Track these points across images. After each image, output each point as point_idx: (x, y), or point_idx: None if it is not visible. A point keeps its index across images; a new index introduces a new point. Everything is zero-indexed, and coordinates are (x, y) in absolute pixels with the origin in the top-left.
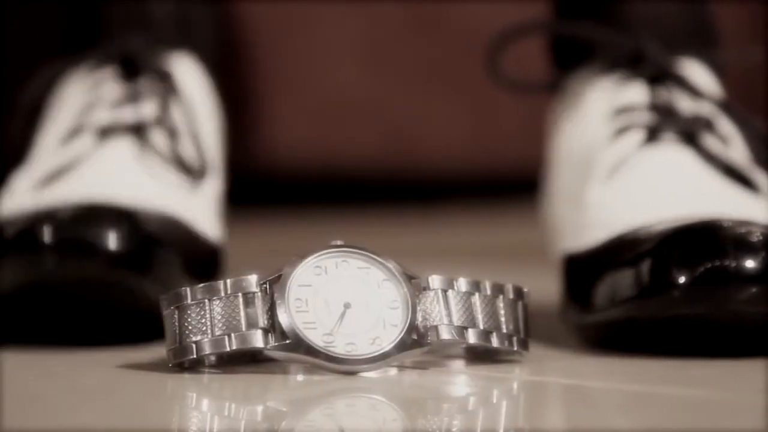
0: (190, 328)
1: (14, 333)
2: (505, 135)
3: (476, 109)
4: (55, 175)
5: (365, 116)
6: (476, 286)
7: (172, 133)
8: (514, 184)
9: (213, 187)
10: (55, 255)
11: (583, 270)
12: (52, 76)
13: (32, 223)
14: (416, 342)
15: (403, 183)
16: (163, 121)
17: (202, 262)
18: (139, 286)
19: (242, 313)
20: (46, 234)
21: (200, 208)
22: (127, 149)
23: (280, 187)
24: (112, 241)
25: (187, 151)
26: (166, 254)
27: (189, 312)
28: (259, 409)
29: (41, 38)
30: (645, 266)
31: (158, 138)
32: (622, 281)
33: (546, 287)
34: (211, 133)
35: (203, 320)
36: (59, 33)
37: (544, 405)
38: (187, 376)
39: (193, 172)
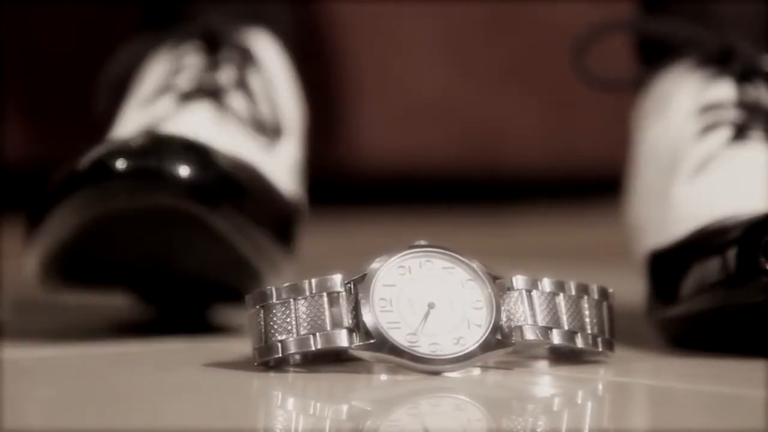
0: (275, 327)
1: (84, 278)
2: (585, 134)
3: (556, 108)
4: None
5: (446, 116)
6: (561, 287)
7: (250, 97)
8: (594, 183)
9: (290, 150)
10: (126, 183)
11: (669, 263)
12: (136, 51)
13: (105, 154)
14: (500, 342)
15: (484, 183)
16: (240, 85)
17: (274, 211)
18: (209, 219)
19: (327, 313)
20: (118, 163)
21: (276, 166)
22: (206, 111)
23: (362, 187)
24: (183, 171)
25: (264, 113)
26: (236, 191)
27: (274, 311)
28: (344, 408)
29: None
30: (732, 253)
31: (236, 101)
32: (708, 270)
33: (629, 287)
34: (289, 100)
35: (288, 319)
36: (140, 10)
37: (629, 406)
38: (272, 374)
39: (269, 133)
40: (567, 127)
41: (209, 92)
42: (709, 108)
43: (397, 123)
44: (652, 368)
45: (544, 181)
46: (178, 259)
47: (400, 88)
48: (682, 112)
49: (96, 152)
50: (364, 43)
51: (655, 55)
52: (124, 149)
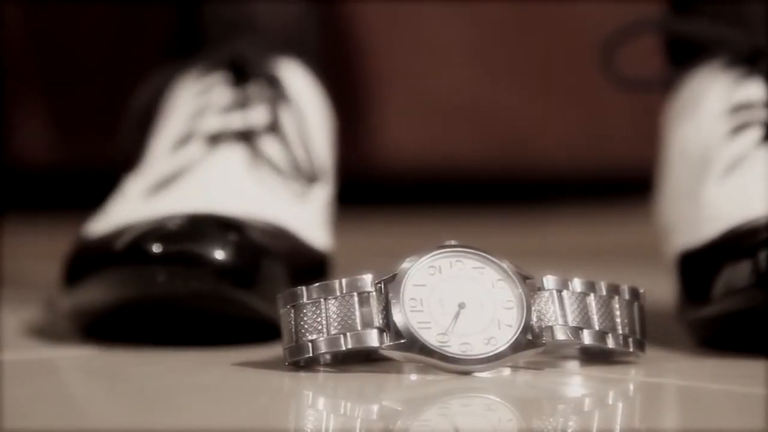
0: (306, 327)
1: (120, 338)
2: (613, 134)
3: (584, 109)
4: (166, 182)
5: (473, 117)
6: (591, 287)
7: (283, 140)
8: (622, 183)
9: (323, 193)
10: (163, 268)
11: (700, 264)
12: (162, 82)
13: (141, 236)
14: (531, 342)
15: (511, 182)
16: (273, 127)
17: (309, 271)
18: (245, 299)
19: (357, 313)
20: (154, 247)
21: (309, 217)
22: (237, 157)
23: (390, 188)
24: (219, 254)
25: (298, 157)
26: (272, 267)
27: (305, 311)
28: (375, 408)
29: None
30: (764, 254)
31: (268, 145)
32: (739, 270)
33: (659, 288)
34: (322, 138)
35: (319, 319)
36: (166, 37)
37: (660, 407)
38: (302, 374)
39: (303, 179)
40: (593, 127)
41: (240, 135)
42: (739, 108)
43: (424, 123)
44: (683, 369)
45: (571, 181)
46: (211, 322)
47: (425, 88)
48: (712, 113)
49: (132, 233)
50: (389, 43)
51: (684, 56)
52: (160, 232)
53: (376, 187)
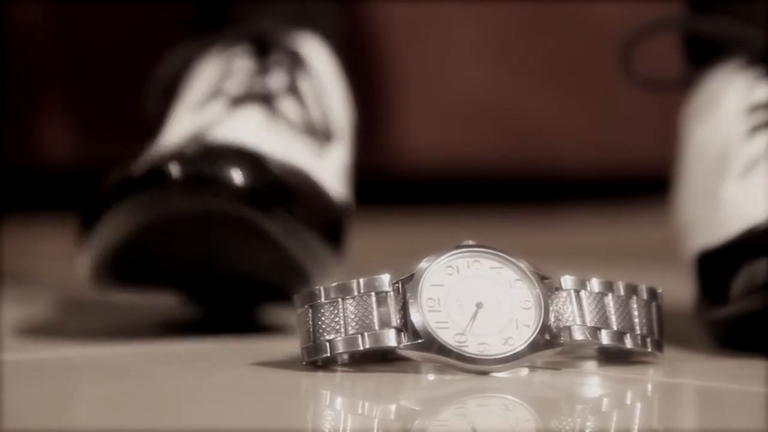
0: (323, 326)
1: (135, 278)
2: (630, 132)
3: (601, 108)
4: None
5: (490, 116)
6: (609, 287)
7: (300, 101)
8: (639, 182)
9: (340, 154)
10: (181, 190)
11: (718, 264)
12: (185, 56)
13: (158, 160)
14: (549, 342)
15: (529, 182)
16: (291, 89)
17: (324, 214)
18: (261, 223)
19: (375, 312)
20: (172, 170)
21: (326, 170)
22: (257, 116)
23: (408, 187)
24: (237, 177)
25: (315, 117)
26: (287, 196)
27: (322, 311)
28: (392, 408)
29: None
30: None
31: (287, 106)
32: (758, 270)
33: (676, 288)
34: (339, 105)
35: (336, 319)
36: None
37: (678, 407)
38: (320, 374)
39: (319, 137)
40: (612, 126)
41: (260, 97)
42: (757, 107)
43: (442, 123)
44: (701, 369)
45: (589, 181)
46: (228, 260)
47: (444, 87)
48: (730, 112)
49: (150, 158)
50: (408, 43)
51: (702, 55)
52: (179, 156)
53: (395, 187)
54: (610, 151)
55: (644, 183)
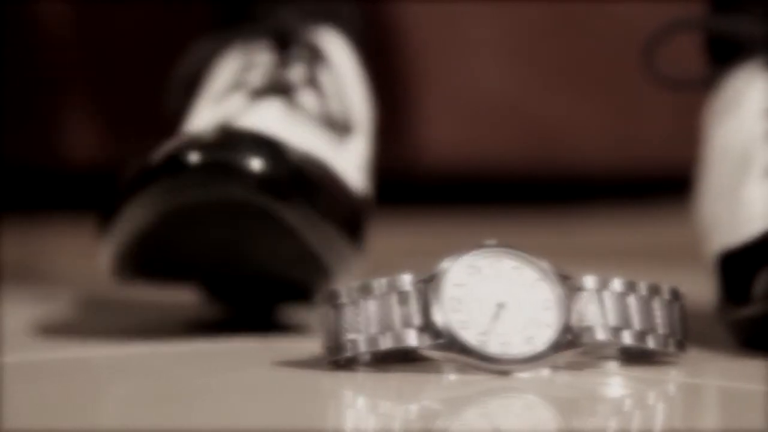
0: (345, 326)
1: (156, 271)
2: (650, 134)
3: (620, 108)
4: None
5: (511, 115)
6: (631, 287)
7: (320, 93)
8: (661, 182)
9: (360, 147)
10: (199, 178)
11: (740, 264)
12: (206, 51)
13: (177, 147)
14: (571, 342)
15: (551, 182)
16: (311, 82)
17: (344, 206)
18: (280, 212)
19: (397, 312)
20: (190, 157)
21: (346, 162)
22: (277, 108)
23: (429, 187)
24: (255, 164)
25: (335, 110)
26: (306, 185)
27: (344, 310)
28: (414, 407)
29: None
30: None
31: (307, 98)
32: None
33: (698, 288)
34: (359, 98)
35: (358, 319)
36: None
37: (701, 407)
38: (342, 374)
39: (339, 129)
40: (633, 126)
41: (280, 89)
42: None
43: (463, 122)
44: (724, 369)
45: (610, 181)
46: (248, 252)
47: (465, 87)
48: (753, 112)
49: (169, 146)
50: (429, 43)
51: (725, 54)
52: (197, 143)
53: (416, 187)
54: (632, 151)
55: (665, 183)
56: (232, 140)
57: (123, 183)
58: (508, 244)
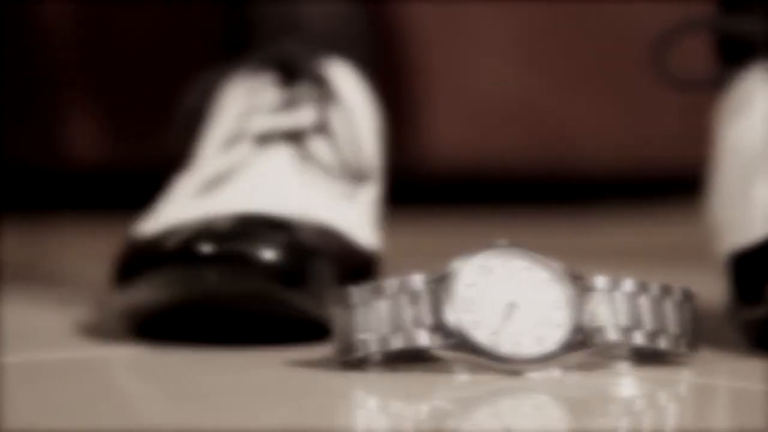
0: (357, 326)
1: (172, 337)
2: (660, 134)
3: (631, 109)
4: (215, 182)
5: (520, 117)
6: (643, 287)
7: (331, 140)
8: (670, 183)
9: (372, 192)
10: (213, 269)
11: (751, 264)
12: (211, 82)
13: (190, 237)
14: (582, 342)
15: (558, 183)
16: (321, 127)
17: (357, 271)
18: (295, 299)
19: (408, 312)
20: (204, 248)
21: (357, 216)
22: (285, 157)
23: (439, 187)
24: (269, 254)
25: (346, 157)
26: (321, 267)
27: (356, 310)
28: (425, 407)
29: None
30: None
31: (316, 144)
32: None
33: (709, 288)
34: (371, 138)
35: (370, 318)
36: (213, 39)
37: (712, 408)
38: (353, 373)
39: (351, 179)
40: (641, 126)
41: (288, 135)
42: None
43: (471, 122)
44: (735, 370)
45: (619, 181)
46: (255, 322)
47: (473, 87)
48: (763, 112)
49: (182, 234)
50: (437, 43)
51: (735, 55)
52: (210, 232)
53: (425, 187)
54: (641, 151)
55: (672, 183)
56: (246, 229)
57: (135, 251)
58: (520, 244)
